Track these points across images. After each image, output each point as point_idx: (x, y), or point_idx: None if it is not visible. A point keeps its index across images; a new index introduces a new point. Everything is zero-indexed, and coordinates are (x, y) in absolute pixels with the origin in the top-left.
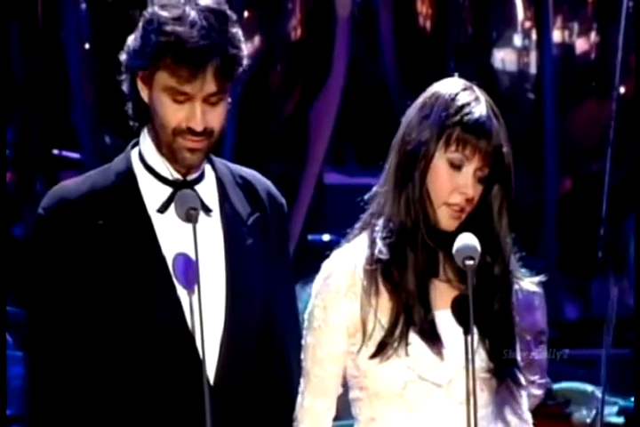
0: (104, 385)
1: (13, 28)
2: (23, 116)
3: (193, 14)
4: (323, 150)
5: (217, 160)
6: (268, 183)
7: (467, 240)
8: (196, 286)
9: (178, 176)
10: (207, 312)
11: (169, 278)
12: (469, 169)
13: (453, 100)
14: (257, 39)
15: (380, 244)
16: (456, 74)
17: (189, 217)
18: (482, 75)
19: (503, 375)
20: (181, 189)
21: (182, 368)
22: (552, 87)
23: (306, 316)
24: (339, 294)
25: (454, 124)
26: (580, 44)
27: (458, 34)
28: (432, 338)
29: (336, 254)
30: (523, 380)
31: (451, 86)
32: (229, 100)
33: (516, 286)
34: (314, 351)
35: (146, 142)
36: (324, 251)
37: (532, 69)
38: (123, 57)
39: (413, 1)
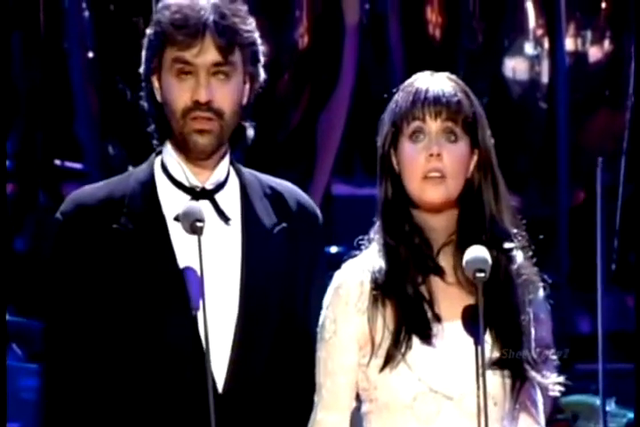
0: (116, 393)
1: (15, 36)
2: (25, 126)
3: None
4: (330, 161)
5: (245, 170)
6: (302, 195)
7: (477, 252)
8: (201, 297)
9: (197, 183)
10: (219, 323)
11: (182, 288)
12: (431, 131)
13: (401, 89)
14: (264, 47)
15: (376, 257)
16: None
17: (194, 229)
18: (493, 84)
19: (518, 377)
20: (201, 197)
21: (194, 379)
22: (564, 96)
23: (318, 329)
24: (348, 306)
25: (400, 105)
26: (593, 53)
27: (468, 42)
28: (435, 346)
29: (347, 265)
30: (540, 379)
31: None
32: (247, 85)
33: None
34: (325, 364)
35: (168, 152)
36: (332, 262)
37: (544, 78)
38: (142, 69)
39: (423, 9)
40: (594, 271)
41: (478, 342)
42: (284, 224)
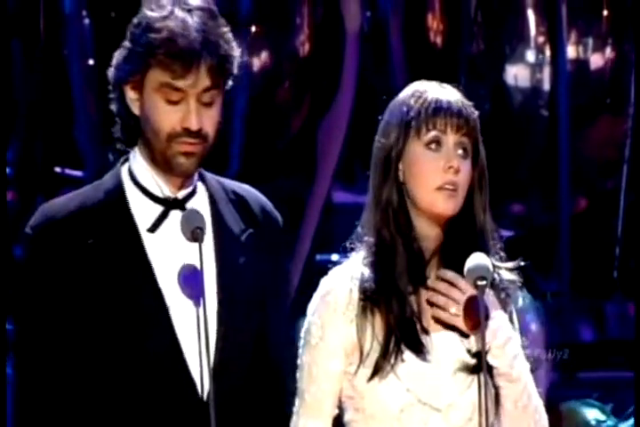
0: (97, 407)
1: (15, 44)
2: (25, 133)
3: (182, 13)
4: (331, 168)
5: (209, 176)
6: (263, 199)
7: (478, 260)
8: (196, 300)
9: (169, 194)
10: (196, 331)
11: (160, 299)
12: (449, 143)
13: (411, 95)
14: (264, 55)
15: (363, 266)
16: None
17: (195, 236)
18: (494, 91)
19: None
20: (173, 207)
21: (175, 389)
22: (566, 104)
23: (302, 334)
24: (336, 313)
25: (417, 111)
26: (595, 60)
27: (469, 49)
28: (424, 358)
29: (334, 272)
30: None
31: (406, 89)
32: (220, 106)
33: (496, 278)
34: (309, 370)
35: (136, 160)
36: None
37: (546, 86)
38: (110, 73)
39: (424, 15)
40: (595, 279)
41: (479, 355)
42: (251, 230)
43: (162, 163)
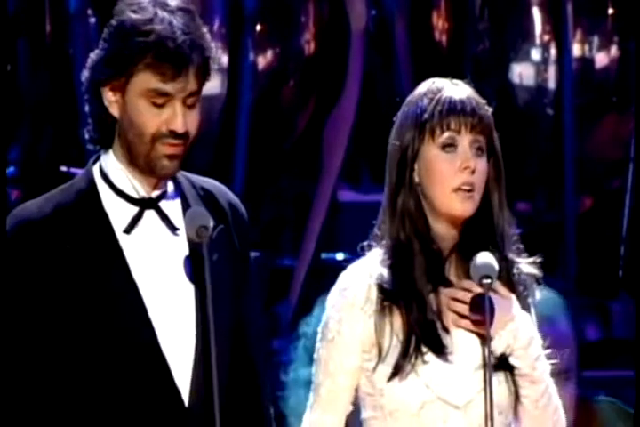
0: (74, 406)
1: (21, 43)
2: (31, 132)
3: (166, 15)
4: (337, 167)
5: (178, 173)
6: (229, 193)
7: (484, 259)
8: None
9: (144, 194)
10: (179, 336)
11: (139, 300)
12: (464, 143)
13: (424, 95)
14: (269, 54)
15: (381, 268)
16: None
17: (200, 235)
18: (499, 90)
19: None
20: (147, 207)
21: (157, 393)
22: (571, 102)
23: (319, 329)
24: (354, 308)
25: (430, 113)
26: (600, 59)
27: (475, 48)
28: (445, 358)
29: (353, 268)
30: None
31: (419, 87)
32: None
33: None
34: (326, 364)
35: (109, 161)
36: (338, 269)
37: (551, 84)
38: (85, 74)
39: (429, 14)
40: (601, 278)
41: (486, 344)
42: (221, 225)
43: (143, 165)
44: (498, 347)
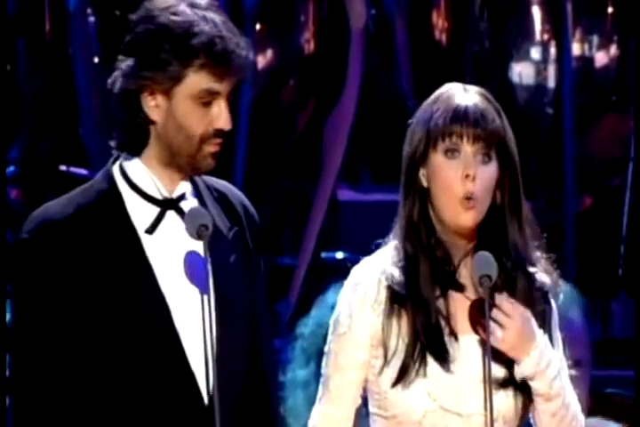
0: (93, 404)
1: (20, 42)
2: (31, 131)
3: (206, 14)
4: (337, 167)
5: None
6: (240, 194)
7: (483, 258)
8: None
9: (166, 195)
10: (198, 337)
11: (162, 300)
12: (467, 150)
13: (435, 101)
14: (269, 53)
15: (392, 267)
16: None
17: (200, 234)
18: (499, 89)
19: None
20: (168, 207)
21: (177, 391)
22: (571, 102)
23: (331, 322)
24: (365, 303)
25: (436, 120)
26: (600, 58)
27: (475, 47)
28: (449, 367)
29: (365, 263)
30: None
31: (435, 92)
32: None
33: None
34: (336, 358)
35: (132, 162)
36: (338, 268)
37: (551, 83)
38: (120, 82)
39: (429, 13)
40: (601, 277)
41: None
42: (236, 227)
43: (185, 164)
44: (524, 371)
